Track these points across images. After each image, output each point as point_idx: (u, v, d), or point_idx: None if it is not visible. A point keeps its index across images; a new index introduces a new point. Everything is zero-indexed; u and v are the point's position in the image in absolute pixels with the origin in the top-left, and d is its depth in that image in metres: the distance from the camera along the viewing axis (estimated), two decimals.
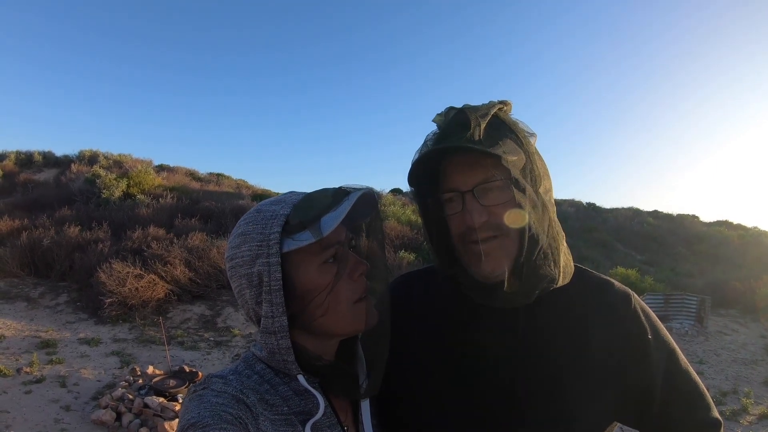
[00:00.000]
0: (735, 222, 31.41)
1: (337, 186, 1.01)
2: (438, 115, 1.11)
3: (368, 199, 1.02)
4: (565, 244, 1.14)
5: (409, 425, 1.14)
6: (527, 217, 1.03)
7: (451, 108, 1.09)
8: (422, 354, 1.17)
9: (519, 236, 1.05)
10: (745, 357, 10.56)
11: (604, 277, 1.21)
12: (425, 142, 1.10)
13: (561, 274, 1.10)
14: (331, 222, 0.93)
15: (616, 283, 1.20)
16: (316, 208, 0.96)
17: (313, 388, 0.97)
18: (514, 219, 1.04)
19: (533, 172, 1.06)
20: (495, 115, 1.07)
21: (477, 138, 1.01)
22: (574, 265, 1.19)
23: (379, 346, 1.09)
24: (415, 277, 1.34)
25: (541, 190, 1.06)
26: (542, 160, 1.12)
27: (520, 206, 1.03)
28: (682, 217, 30.66)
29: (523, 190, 1.02)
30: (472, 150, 1.00)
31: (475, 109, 1.06)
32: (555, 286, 1.10)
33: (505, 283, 1.04)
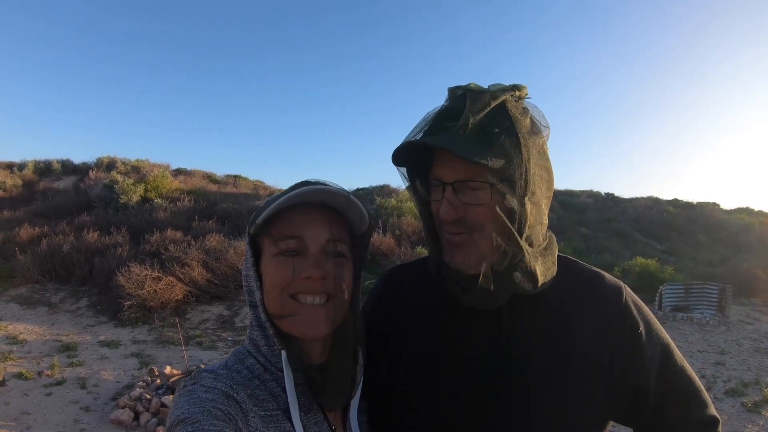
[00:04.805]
0: (756, 209, 30.95)
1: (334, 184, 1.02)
2: (450, 89, 1.06)
3: (336, 198, 1.01)
4: (547, 251, 1.10)
5: (395, 421, 1.13)
6: (501, 222, 1.00)
7: (458, 88, 1.04)
8: (409, 348, 1.16)
9: (492, 239, 1.02)
10: None
11: (595, 269, 1.18)
12: (425, 118, 1.07)
13: (539, 281, 1.06)
14: (264, 211, 0.97)
15: (607, 275, 1.17)
16: (280, 197, 0.97)
17: (293, 370, 0.97)
18: (487, 222, 1.02)
19: (524, 177, 1.00)
20: (502, 104, 1.01)
21: (466, 130, 0.97)
22: (564, 256, 1.17)
23: (339, 357, 1.06)
24: (407, 269, 1.32)
25: (529, 198, 1.01)
26: (544, 162, 1.06)
27: (496, 210, 1.00)
28: (702, 205, 30.21)
29: (501, 197, 0.99)
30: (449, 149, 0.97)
31: (477, 97, 1.00)
32: (529, 292, 1.06)
33: (480, 276, 1.02)
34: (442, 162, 1.04)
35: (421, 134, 1.06)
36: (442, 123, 1.03)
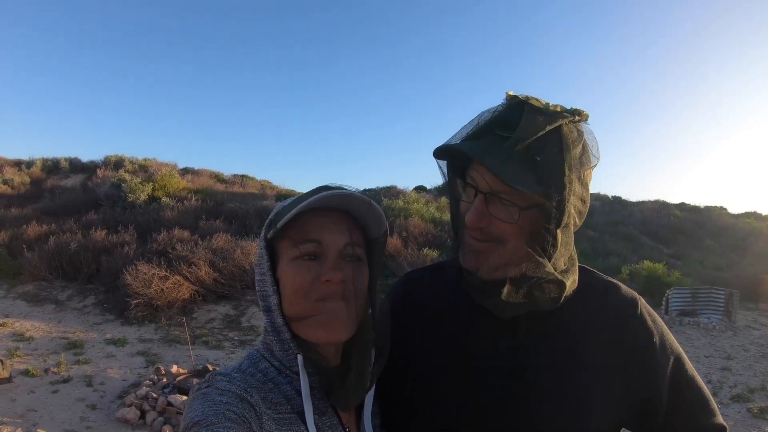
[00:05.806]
0: (764, 213, 30.86)
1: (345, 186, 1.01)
2: (508, 95, 1.03)
3: (355, 203, 1.00)
4: (569, 271, 1.08)
5: (401, 424, 1.13)
6: (526, 242, 1.00)
7: (515, 98, 1.01)
8: (421, 355, 1.15)
9: (512, 254, 1.02)
10: None
11: (611, 280, 1.18)
12: (478, 118, 1.05)
13: (560, 300, 1.06)
14: (284, 216, 0.95)
15: (623, 286, 1.17)
16: (299, 201, 0.97)
17: (309, 374, 0.97)
18: (510, 238, 1.01)
19: (560, 208, 0.97)
20: (557, 127, 0.97)
21: (513, 149, 0.96)
22: (581, 266, 1.15)
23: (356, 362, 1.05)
24: (421, 274, 1.31)
25: (561, 229, 1.00)
26: (584, 193, 1.04)
27: (523, 231, 1.00)
28: (709, 209, 30.18)
29: (531, 220, 0.99)
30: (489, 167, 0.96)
31: (533, 118, 0.97)
32: (546, 308, 1.06)
33: (504, 291, 1.02)
34: (482, 169, 1.01)
35: (468, 134, 1.05)
36: (492, 128, 1.01)
